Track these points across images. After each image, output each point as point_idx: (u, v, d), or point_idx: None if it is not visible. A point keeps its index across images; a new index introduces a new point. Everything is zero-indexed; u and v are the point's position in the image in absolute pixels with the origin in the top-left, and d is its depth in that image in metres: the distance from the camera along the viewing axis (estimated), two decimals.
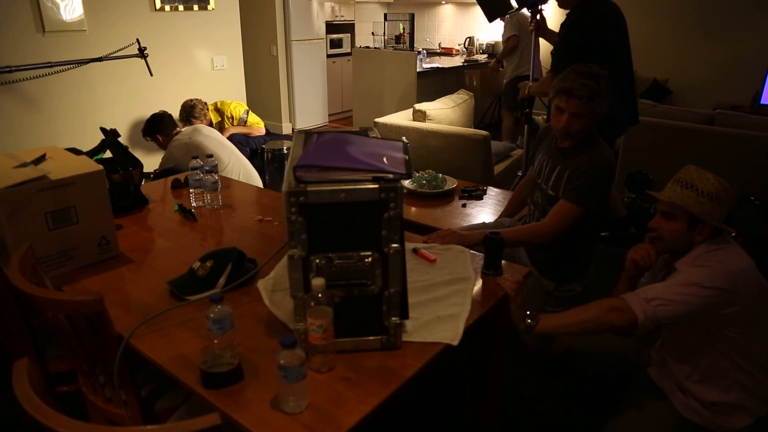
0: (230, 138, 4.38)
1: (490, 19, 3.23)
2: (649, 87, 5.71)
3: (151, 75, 3.77)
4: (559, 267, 2.28)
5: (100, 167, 1.78)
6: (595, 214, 2.15)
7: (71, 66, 3.50)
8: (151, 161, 4.71)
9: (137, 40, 3.62)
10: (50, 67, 3.31)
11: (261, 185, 3.60)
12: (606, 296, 1.72)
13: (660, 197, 1.63)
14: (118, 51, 3.56)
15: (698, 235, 1.57)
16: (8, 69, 3.15)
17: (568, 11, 2.82)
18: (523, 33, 5.20)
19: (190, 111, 4.26)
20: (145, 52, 3.59)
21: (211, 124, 4.39)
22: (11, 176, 1.64)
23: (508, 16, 5.23)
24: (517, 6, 3.15)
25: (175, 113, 4.40)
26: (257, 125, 4.62)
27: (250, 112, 4.62)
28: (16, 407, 0.93)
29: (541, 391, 2.32)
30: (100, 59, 3.46)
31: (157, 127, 3.67)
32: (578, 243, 2.23)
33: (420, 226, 2.53)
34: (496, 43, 6.86)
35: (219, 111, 4.50)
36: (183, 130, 3.57)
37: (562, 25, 2.81)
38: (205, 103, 4.37)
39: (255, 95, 6.48)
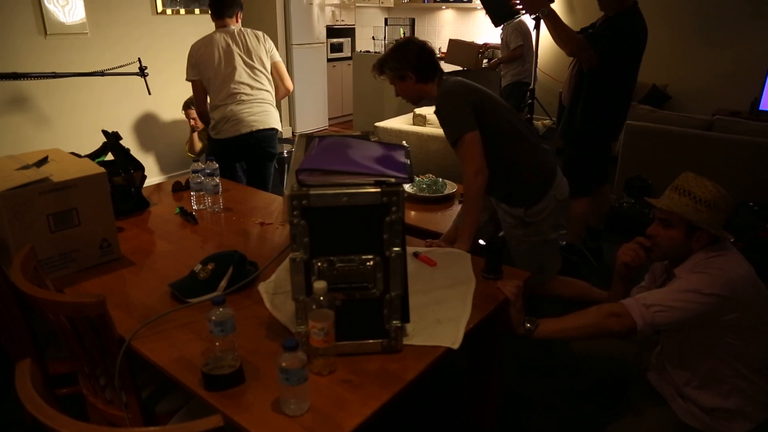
0: None
1: (496, 23, 3.25)
2: (649, 92, 5.73)
3: (150, 93, 3.75)
4: (517, 193, 2.26)
5: (102, 170, 1.79)
6: (498, 131, 2.15)
7: (74, 74, 3.52)
8: (153, 164, 4.73)
9: (139, 59, 3.63)
10: (54, 77, 3.33)
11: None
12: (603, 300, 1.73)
13: (657, 204, 1.63)
14: (120, 66, 3.58)
15: (696, 242, 1.57)
16: (14, 75, 3.16)
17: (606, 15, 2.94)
18: (527, 41, 5.30)
19: (191, 104, 4.27)
20: (145, 71, 3.57)
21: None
22: (14, 178, 1.64)
23: (512, 23, 5.31)
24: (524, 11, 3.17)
25: (177, 117, 4.42)
26: None
27: None
28: (15, 410, 0.93)
29: (541, 395, 2.32)
30: (102, 73, 3.49)
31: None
32: (508, 164, 2.21)
33: (420, 230, 2.54)
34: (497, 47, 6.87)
35: None
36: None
37: (608, 20, 2.92)
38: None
39: None
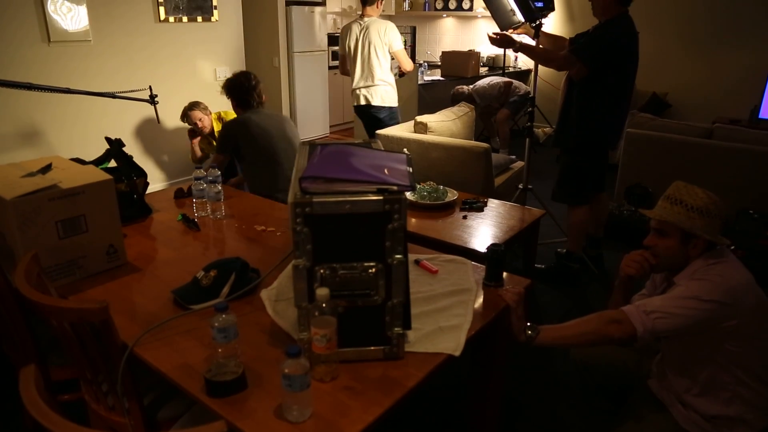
0: None
1: (502, 29, 3.30)
2: (649, 101, 5.75)
3: (159, 122, 3.85)
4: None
5: (110, 177, 1.80)
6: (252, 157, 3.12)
7: (87, 93, 3.54)
8: (155, 171, 4.75)
9: (149, 87, 3.70)
10: (68, 92, 3.36)
11: None
12: (603, 307, 1.74)
13: (650, 215, 1.65)
14: (132, 91, 3.66)
15: (692, 249, 1.58)
16: (28, 86, 3.18)
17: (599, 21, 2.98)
18: None
19: (193, 104, 4.29)
20: (155, 99, 3.69)
21: (212, 131, 4.42)
22: (22, 185, 1.65)
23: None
24: (523, 20, 3.21)
25: (180, 124, 4.43)
26: None
27: None
28: (15, 415, 0.94)
29: (542, 402, 2.32)
30: (113, 95, 3.53)
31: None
32: (252, 177, 3.24)
33: (421, 237, 2.54)
34: (497, 56, 6.91)
35: (222, 120, 4.53)
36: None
37: (595, 28, 2.99)
38: (208, 109, 4.41)
39: None
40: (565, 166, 3.20)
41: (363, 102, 4.38)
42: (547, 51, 3.18)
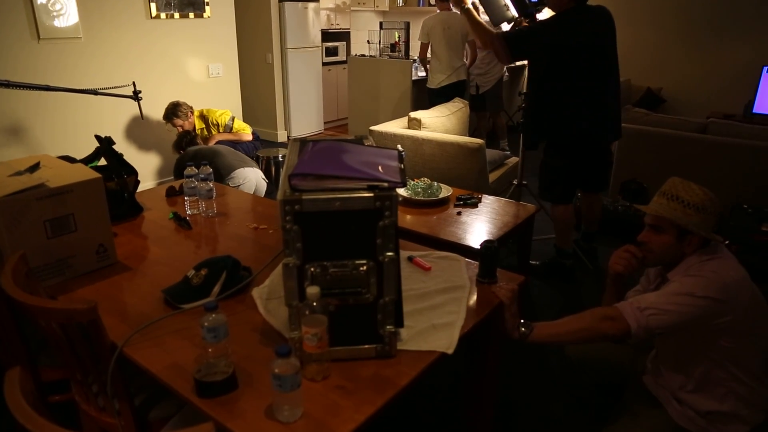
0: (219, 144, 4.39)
1: (496, 24, 3.28)
2: (643, 96, 5.75)
3: (142, 118, 3.86)
4: None
5: (99, 175, 1.78)
6: None
7: (67, 90, 3.52)
8: (146, 169, 4.72)
9: (133, 83, 3.71)
10: (48, 89, 3.32)
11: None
12: (597, 304, 1.73)
13: (647, 211, 1.64)
14: (114, 87, 3.67)
15: (687, 246, 1.58)
16: (6, 84, 3.14)
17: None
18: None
19: (173, 110, 4.28)
20: (139, 95, 3.70)
21: (194, 130, 4.39)
22: (9, 184, 1.63)
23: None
24: (516, 14, 3.19)
25: None
26: (243, 131, 4.60)
27: (235, 118, 4.62)
28: (9, 419, 0.93)
29: (536, 399, 2.32)
30: (95, 92, 3.50)
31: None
32: None
33: (415, 234, 2.53)
34: None
35: (204, 118, 4.49)
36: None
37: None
38: (191, 107, 4.38)
39: (250, 103, 6.49)
40: (540, 163, 3.18)
41: (455, 79, 5.30)
42: (484, 25, 2.99)
